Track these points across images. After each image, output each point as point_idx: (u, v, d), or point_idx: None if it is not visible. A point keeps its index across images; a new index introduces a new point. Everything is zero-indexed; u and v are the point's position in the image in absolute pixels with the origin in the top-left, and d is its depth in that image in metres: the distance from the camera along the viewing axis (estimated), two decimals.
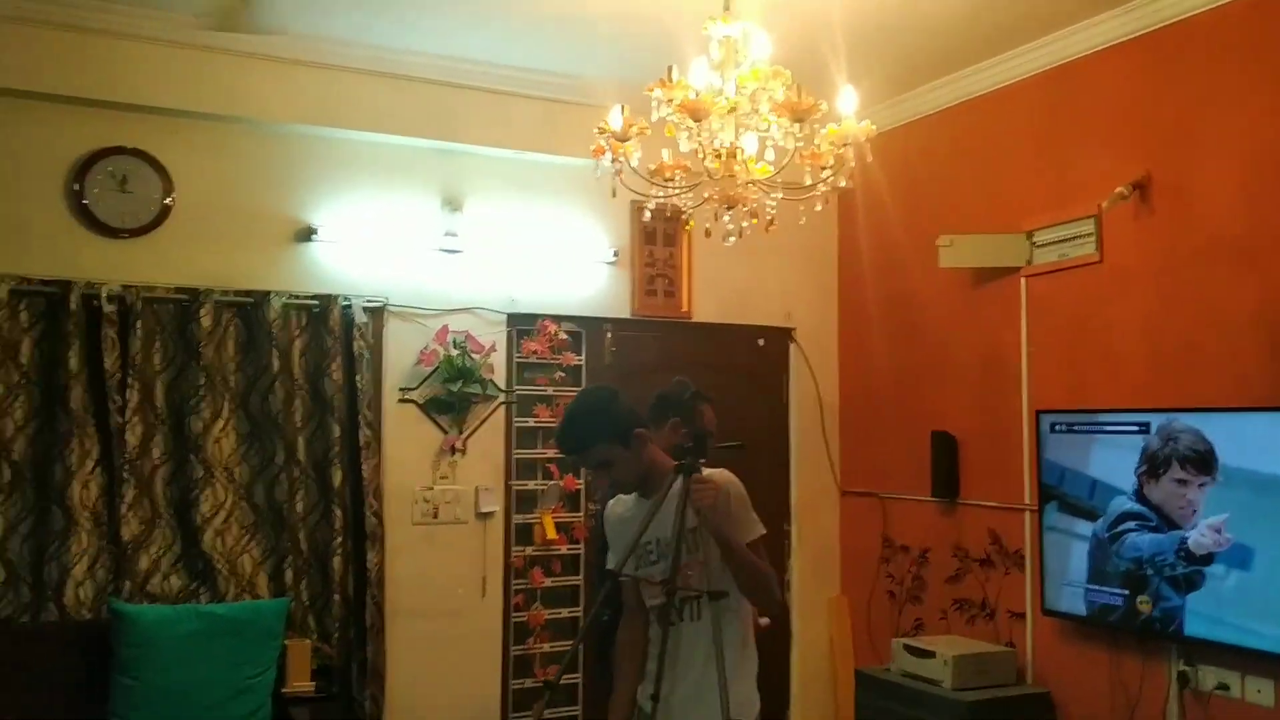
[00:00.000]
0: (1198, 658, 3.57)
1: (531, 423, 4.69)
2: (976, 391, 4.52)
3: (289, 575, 4.10)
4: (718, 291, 5.04)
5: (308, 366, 4.22)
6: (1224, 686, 3.50)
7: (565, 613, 4.70)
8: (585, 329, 4.82)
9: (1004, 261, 4.37)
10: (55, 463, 3.82)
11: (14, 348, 3.80)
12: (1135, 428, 3.66)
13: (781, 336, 5.24)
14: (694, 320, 5.00)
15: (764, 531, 2.76)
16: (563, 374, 4.75)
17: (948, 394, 4.65)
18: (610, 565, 2.93)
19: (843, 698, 4.99)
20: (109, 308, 3.90)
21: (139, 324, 3.95)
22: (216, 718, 3.61)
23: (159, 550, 3.97)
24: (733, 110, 2.93)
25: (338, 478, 4.18)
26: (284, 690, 3.81)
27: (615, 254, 4.83)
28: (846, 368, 5.30)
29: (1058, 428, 3.96)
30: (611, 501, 2.96)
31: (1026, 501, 4.23)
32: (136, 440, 3.93)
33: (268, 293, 4.16)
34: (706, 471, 2.70)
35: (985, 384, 4.48)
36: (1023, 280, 4.32)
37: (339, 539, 4.16)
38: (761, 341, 5.21)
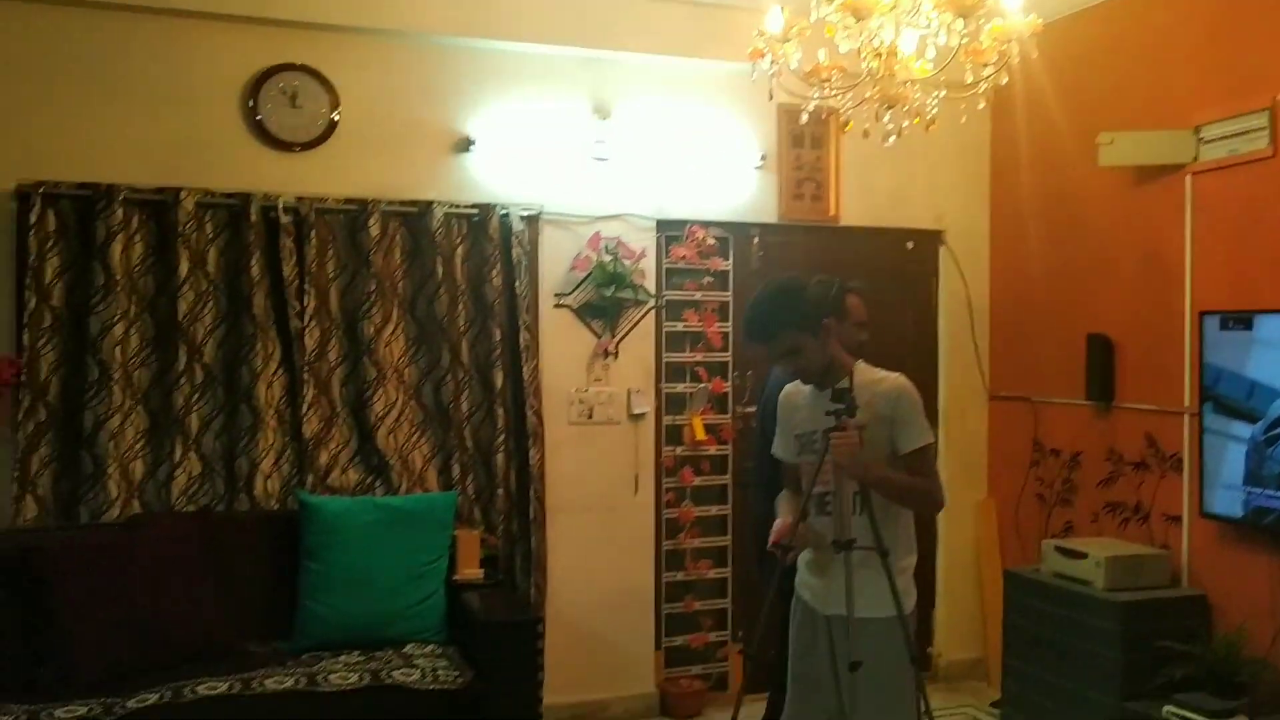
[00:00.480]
0: None
1: (680, 327, 4.79)
2: (1135, 293, 4.42)
3: (456, 470, 4.34)
4: (866, 195, 5.01)
5: (469, 273, 4.40)
6: None
7: (714, 510, 4.85)
8: (732, 234, 4.88)
9: (1168, 159, 4.22)
10: (242, 364, 4.10)
11: (201, 257, 4.07)
12: None
13: (931, 239, 5.19)
14: (841, 224, 4.99)
15: (932, 439, 2.82)
16: (710, 279, 4.82)
17: (1105, 296, 4.56)
18: (775, 449, 3.04)
19: (989, 598, 5.04)
20: (285, 218, 4.13)
21: (313, 234, 4.17)
22: (396, 601, 3.87)
23: (337, 446, 4.24)
24: (894, 7, 2.90)
25: (499, 379, 4.38)
26: (455, 577, 4.06)
27: (762, 158, 4.84)
28: (998, 270, 5.22)
29: (1228, 325, 3.85)
30: (789, 387, 3.03)
31: (1186, 404, 4.15)
32: (314, 343, 4.18)
33: (430, 202, 4.33)
34: (881, 373, 2.76)
35: (1145, 285, 4.37)
36: (1188, 178, 4.17)
37: (502, 437, 4.38)
38: (910, 244, 5.17)
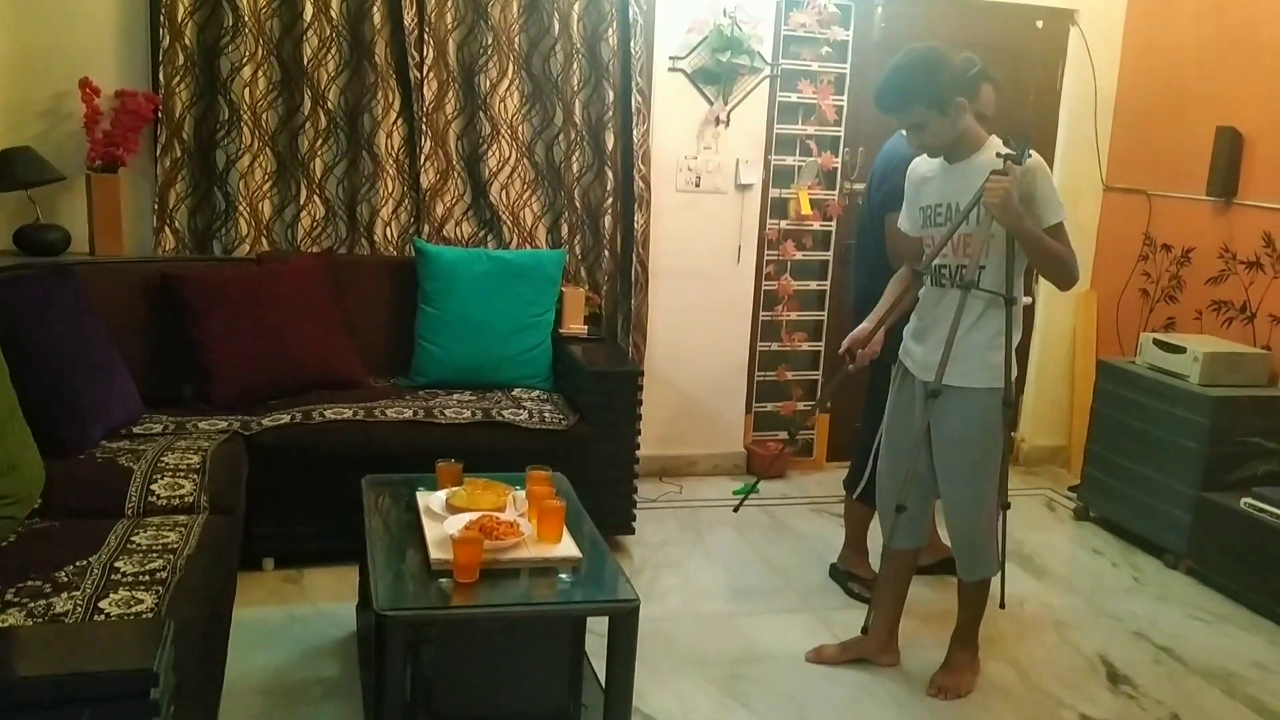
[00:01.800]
0: None
1: (794, 98, 4.73)
2: (1273, 85, 4.22)
3: (564, 230, 4.46)
4: None
5: (585, 31, 4.37)
6: None
7: (814, 285, 4.93)
8: (855, 2, 4.72)
9: None
10: (364, 112, 4.20)
11: (325, 2, 4.11)
12: None
13: (1063, 18, 4.96)
14: None
15: (1064, 216, 2.82)
16: (829, 49, 4.71)
17: (1243, 87, 4.36)
18: (900, 223, 3.08)
19: (1079, 388, 5.10)
20: None
21: None
22: (506, 347, 4.09)
23: (452, 199, 4.37)
24: None
25: (610, 141, 4.42)
26: (561, 330, 4.25)
27: None
28: (1129, 55, 4.99)
29: None
30: (915, 160, 3.05)
31: None
32: (433, 95, 4.25)
33: None
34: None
35: None
36: None
37: (610, 199, 4.46)
38: (1040, 23, 4.95)
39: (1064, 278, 2.88)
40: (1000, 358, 2.90)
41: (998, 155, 2.75)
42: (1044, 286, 5.13)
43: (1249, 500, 3.81)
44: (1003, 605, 3.07)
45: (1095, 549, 4.34)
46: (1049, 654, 3.42)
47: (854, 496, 3.65)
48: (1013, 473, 5.01)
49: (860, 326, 3.12)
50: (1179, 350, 4.17)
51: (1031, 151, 2.75)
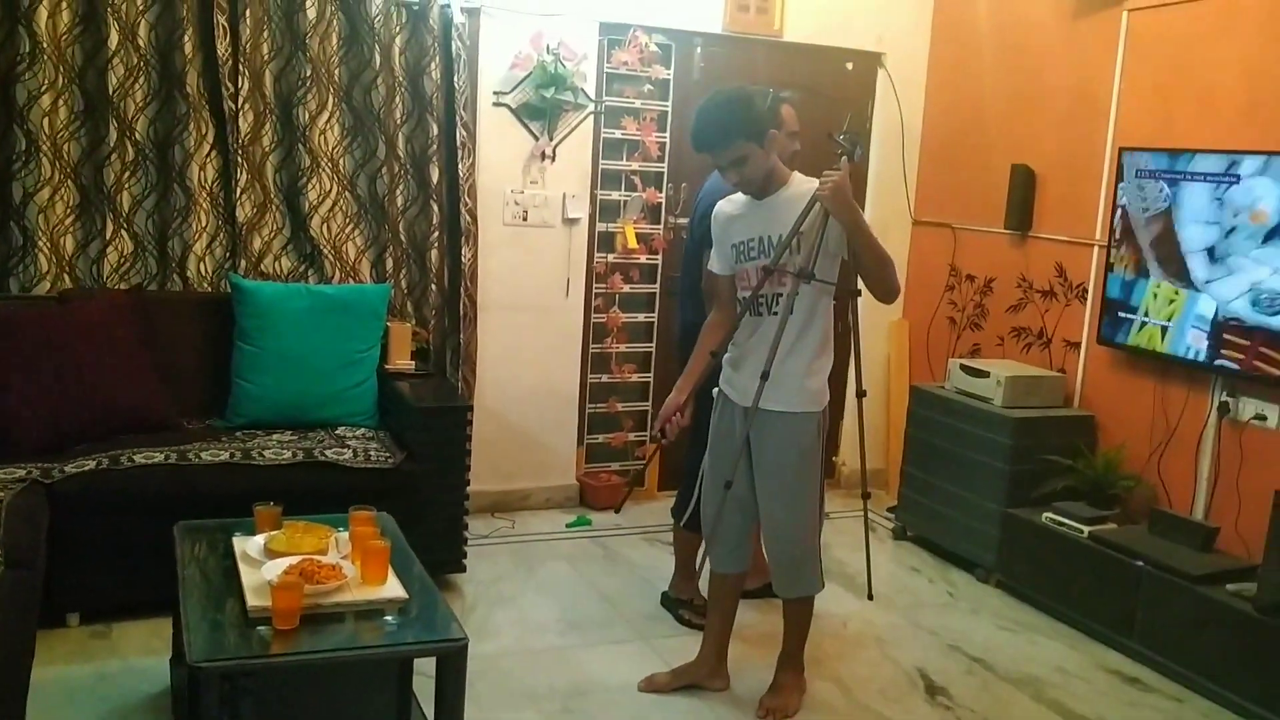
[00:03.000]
0: (1240, 390, 3.79)
1: (618, 134, 4.81)
2: (1062, 126, 4.54)
3: (389, 264, 4.40)
4: (810, 11, 4.98)
5: (407, 65, 4.34)
6: (1261, 417, 3.73)
7: (641, 317, 5.01)
8: (675, 42, 4.85)
9: None
10: (175, 144, 4.05)
11: (132, 30, 3.94)
12: (1218, 169, 3.72)
13: (871, 61, 5.22)
14: (784, 39, 4.98)
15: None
16: (651, 87, 4.82)
17: (1034, 127, 4.68)
18: (711, 265, 3.15)
19: (895, 410, 5.33)
20: None
21: (248, 12, 4.06)
22: (328, 385, 3.98)
23: (270, 233, 4.25)
24: None
25: (435, 175, 4.39)
26: (387, 366, 4.17)
27: None
28: (933, 97, 5.29)
29: (1141, 168, 4.01)
30: (722, 202, 3.13)
31: (1097, 236, 4.35)
32: (248, 126, 4.13)
33: None
34: (817, 181, 2.86)
35: (1072, 118, 4.49)
36: (1125, 13, 4.25)
37: (436, 233, 4.42)
38: (850, 65, 5.20)
39: (890, 281, 2.94)
40: (818, 384, 3.02)
41: (830, 137, 2.83)
42: (861, 315, 5.34)
43: (1049, 515, 4.05)
44: (870, 596, 3.27)
45: (913, 567, 4.53)
46: (871, 670, 3.55)
47: (681, 524, 3.71)
48: (834, 495, 5.21)
49: (670, 400, 3.13)
50: (983, 375, 4.42)
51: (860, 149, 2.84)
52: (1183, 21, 4.03)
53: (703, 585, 3.64)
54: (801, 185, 2.96)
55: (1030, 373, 4.44)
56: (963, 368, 4.53)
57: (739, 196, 3.06)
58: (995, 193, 4.79)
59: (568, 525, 4.69)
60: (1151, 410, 4.12)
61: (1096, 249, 4.35)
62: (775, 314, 2.93)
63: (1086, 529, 3.91)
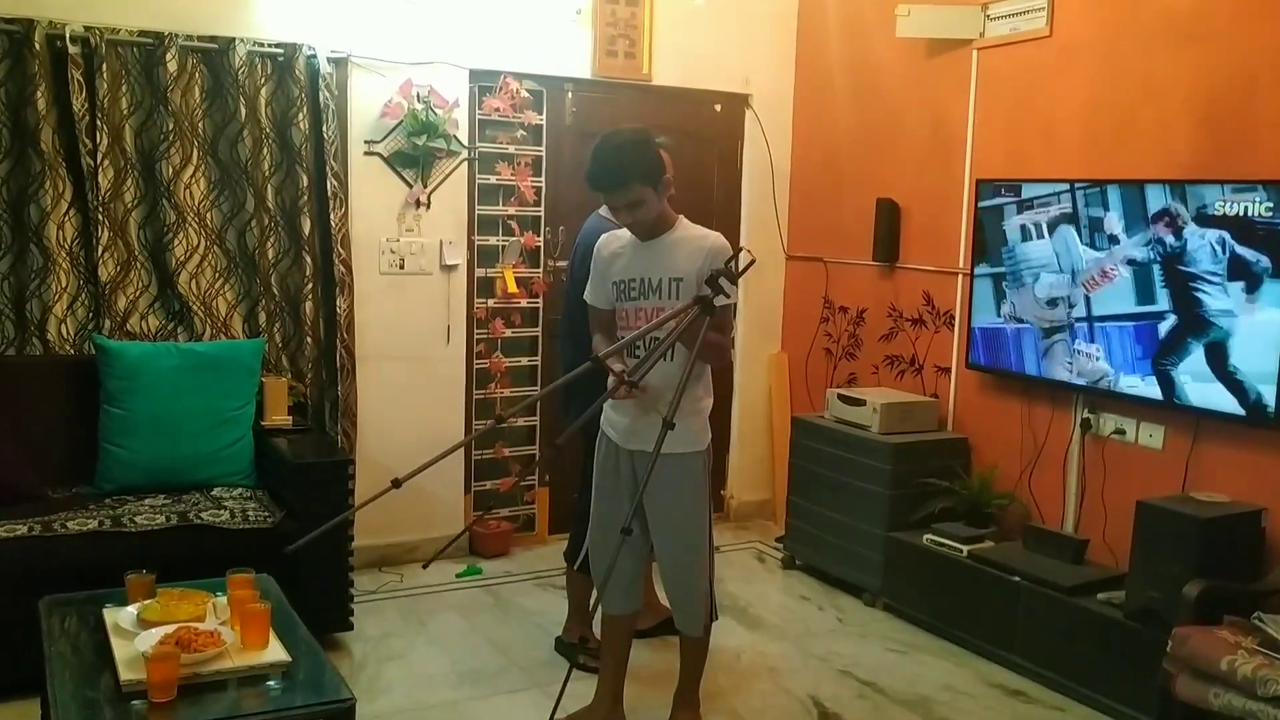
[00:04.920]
0: (1100, 406, 3.97)
1: (493, 180, 4.82)
2: (922, 160, 4.73)
3: (262, 318, 4.31)
4: (678, 55, 5.09)
5: (274, 116, 4.28)
6: (1120, 431, 3.91)
7: (524, 361, 5.00)
8: (546, 88, 4.89)
9: (958, 33, 4.49)
10: (30, 203, 3.91)
11: None
12: (1063, 195, 3.92)
13: (739, 102, 5.36)
14: (653, 83, 5.07)
15: (735, 301, 3.02)
16: (524, 132, 4.85)
17: (895, 163, 4.86)
18: (586, 295, 3.17)
19: (778, 441, 5.43)
20: (73, 49, 3.89)
21: (104, 66, 3.95)
22: (203, 445, 3.87)
23: (136, 291, 4.12)
24: None
25: (307, 226, 4.32)
26: (263, 423, 4.07)
27: (578, 12, 4.83)
28: (799, 135, 5.45)
29: (1000, 192, 4.19)
30: (606, 236, 3.16)
31: (960, 265, 4.52)
32: (109, 183, 4.01)
33: (232, 39, 4.16)
34: (703, 231, 2.98)
35: (931, 153, 4.68)
36: (974, 52, 4.45)
37: (309, 285, 4.35)
38: (719, 107, 5.32)
39: (719, 361, 3.15)
40: (700, 422, 3.06)
41: (708, 283, 2.74)
42: (739, 350, 5.45)
43: (930, 536, 4.17)
44: (716, 618, 3.23)
45: (802, 595, 4.60)
46: (765, 701, 3.58)
47: (574, 567, 3.70)
48: (724, 529, 5.28)
49: (617, 371, 2.97)
50: (860, 403, 4.53)
51: (728, 289, 2.79)
52: (1026, 58, 4.24)
53: (596, 627, 3.63)
54: (689, 230, 3.02)
55: (905, 399, 4.58)
56: (840, 397, 4.65)
57: (623, 233, 3.10)
58: (862, 226, 4.95)
59: (458, 575, 4.62)
60: (1020, 430, 4.28)
61: (961, 277, 4.52)
62: (662, 361, 2.96)
63: (965, 548, 4.03)
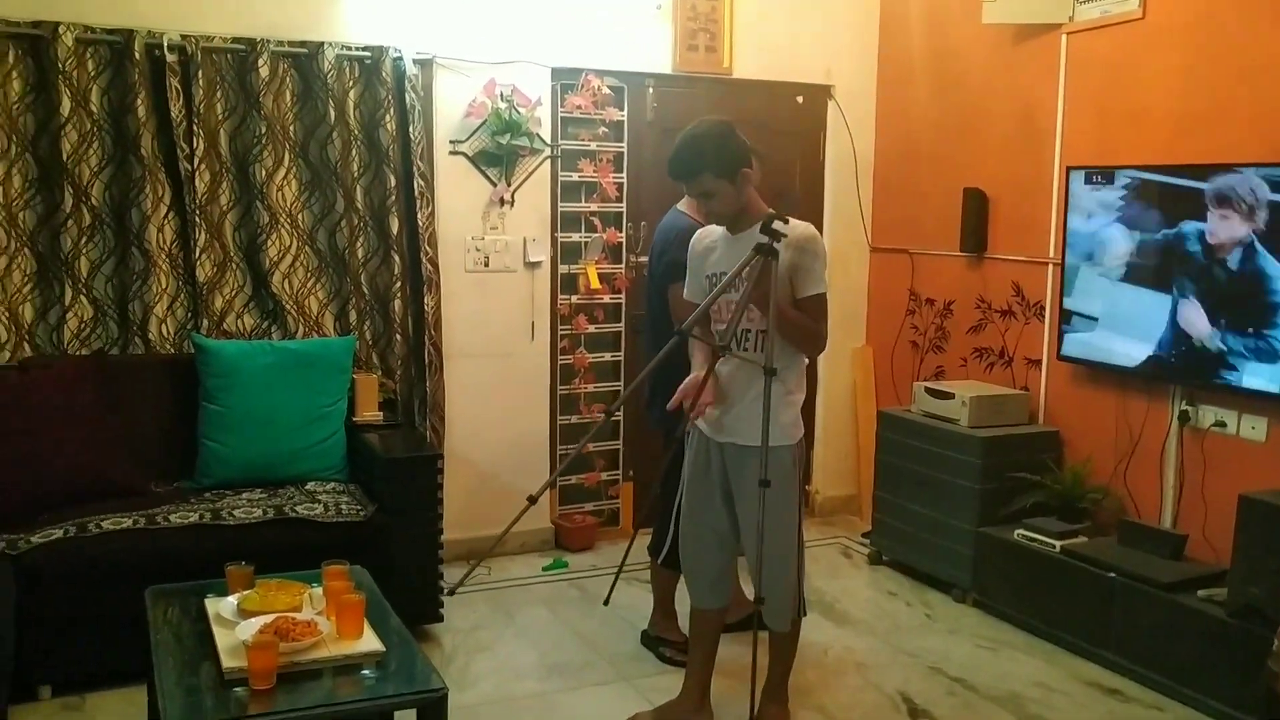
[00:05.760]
0: (1199, 398, 3.85)
1: (575, 177, 4.85)
2: (1009, 149, 4.64)
3: (353, 316, 4.40)
4: (758, 48, 5.07)
5: (362, 118, 4.36)
6: (1221, 424, 3.79)
7: (607, 356, 5.02)
8: (627, 84, 4.91)
9: (1047, 18, 4.39)
10: (131, 207, 4.04)
11: (84, 96, 3.94)
12: (1155, 181, 3.81)
13: (821, 94, 5.31)
14: (734, 77, 5.06)
15: (826, 289, 2.99)
16: (605, 129, 4.87)
17: (982, 151, 4.77)
18: (687, 292, 3.19)
19: (864, 435, 5.37)
20: (170, 57, 4.01)
21: (200, 73, 4.07)
22: (296, 440, 3.97)
23: (232, 291, 4.24)
24: None
25: (395, 225, 4.40)
26: (355, 419, 4.16)
27: (659, 7, 4.84)
28: (883, 126, 5.38)
29: (1092, 180, 4.09)
30: (699, 231, 3.17)
31: (1051, 255, 4.42)
32: (205, 187, 4.13)
33: (321, 44, 4.25)
34: (794, 222, 2.88)
35: (1019, 141, 4.59)
36: (1063, 37, 4.35)
37: (398, 283, 4.43)
38: (800, 99, 5.28)
39: (810, 347, 3.07)
40: (791, 416, 3.04)
41: (754, 251, 2.81)
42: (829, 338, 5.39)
43: (1021, 531, 4.09)
44: (805, 613, 3.23)
45: (890, 591, 4.55)
46: (854, 697, 3.55)
47: (659, 562, 3.71)
48: (808, 524, 5.23)
49: (691, 378, 3.08)
50: (948, 396, 4.46)
51: (785, 233, 2.84)
52: (1118, 41, 4.13)
53: (683, 621, 3.65)
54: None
55: (994, 392, 4.49)
56: (928, 390, 4.58)
57: (714, 228, 3.10)
58: (949, 217, 4.87)
59: (544, 569, 4.67)
60: (1115, 423, 4.18)
61: (1051, 267, 4.43)
62: (747, 349, 2.97)
63: (1058, 543, 3.94)
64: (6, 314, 3.89)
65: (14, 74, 3.86)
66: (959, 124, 4.90)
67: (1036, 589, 4.01)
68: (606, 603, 3.63)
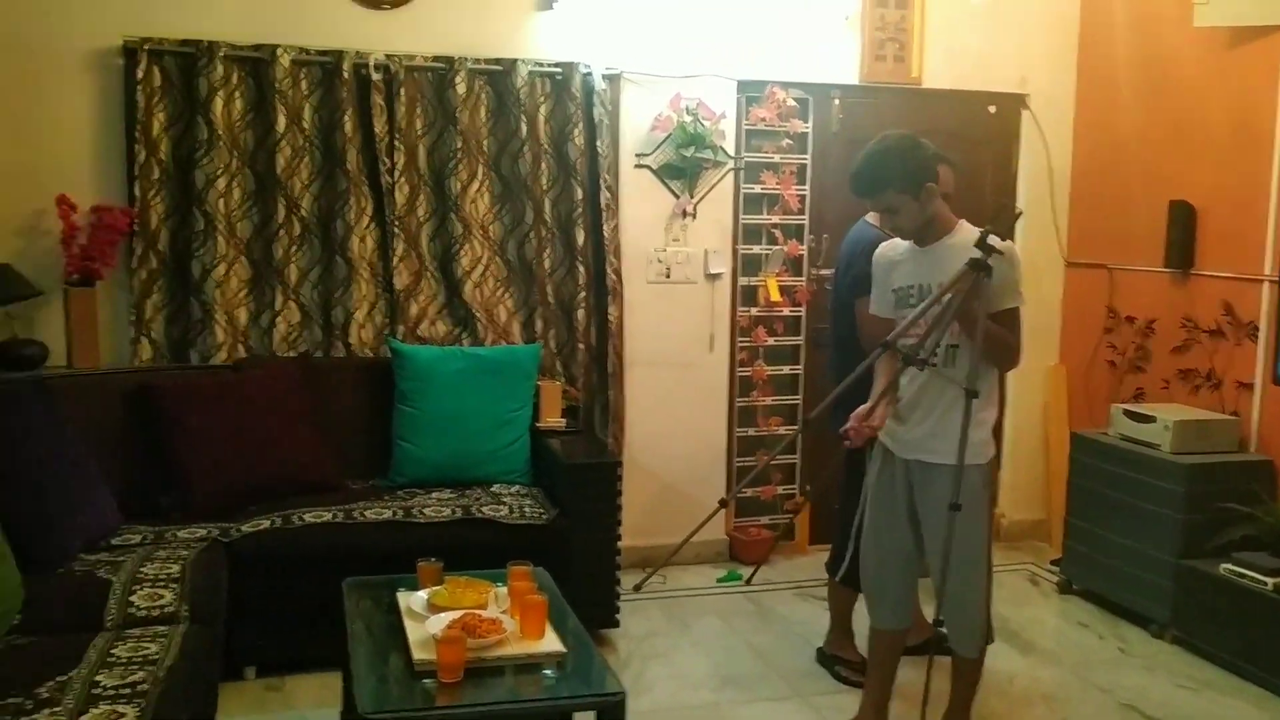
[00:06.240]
0: None
1: (758, 189, 4.85)
2: (1221, 159, 4.37)
3: (539, 324, 4.52)
4: (949, 57, 4.95)
5: (552, 132, 4.49)
6: None
7: (786, 369, 4.99)
8: (812, 96, 4.88)
9: (1266, 19, 4.12)
10: (336, 218, 4.28)
11: (297, 113, 4.20)
12: None
13: (1014, 103, 5.14)
14: (924, 86, 4.95)
15: (1022, 303, 2.92)
16: (789, 141, 4.85)
17: (1191, 161, 4.51)
18: (871, 307, 3.14)
19: (1055, 458, 5.14)
20: (376, 76, 4.24)
21: (402, 91, 4.27)
22: (483, 443, 4.10)
23: (426, 299, 4.43)
24: None
25: (581, 237, 4.50)
26: (538, 425, 4.27)
27: (847, 17, 4.79)
28: (1081, 136, 5.16)
29: None
30: (885, 245, 3.13)
31: (1267, 272, 4.14)
32: (404, 199, 4.33)
33: (514, 61, 4.39)
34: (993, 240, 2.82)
35: (1232, 151, 4.32)
36: None
37: (582, 293, 4.53)
38: (993, 108, 5.12)
39: (1005, 362, 2.98)
40: (983, 435, 2.94)
41: (975, 250, 2.76)
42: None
43: (1228, 566, 3.83)
44: (992, 639, 3.13)
45: (1080, 621, 4.34)
46: None
47: (837, 579, 3.65)
48: (995, 548, 5.04)
49: (862, 407, 3.06)
50: (1149, 420, 4.23)
51: (1002, 250, 2.78)
52: None
53: (860, 641, 3.58)
54: (967, 234, 2.91)
55: (1201, 416, 4.24)
56: (1127, 413, 4.35)
57: (900, 241, 3.05)
58: (1153, 230, 4.62)
59: (718, 580, 4.67)
60: None
61: (1266, 284, 4.14)
62: (944, 365, 2.90)
63: (1270, 580, 3.67)
64: (225, 317, 4.17)
65: (237, 94, 4.15)
66: (1166, 133, 4.64)
67: (1245, 628, 3.75)
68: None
